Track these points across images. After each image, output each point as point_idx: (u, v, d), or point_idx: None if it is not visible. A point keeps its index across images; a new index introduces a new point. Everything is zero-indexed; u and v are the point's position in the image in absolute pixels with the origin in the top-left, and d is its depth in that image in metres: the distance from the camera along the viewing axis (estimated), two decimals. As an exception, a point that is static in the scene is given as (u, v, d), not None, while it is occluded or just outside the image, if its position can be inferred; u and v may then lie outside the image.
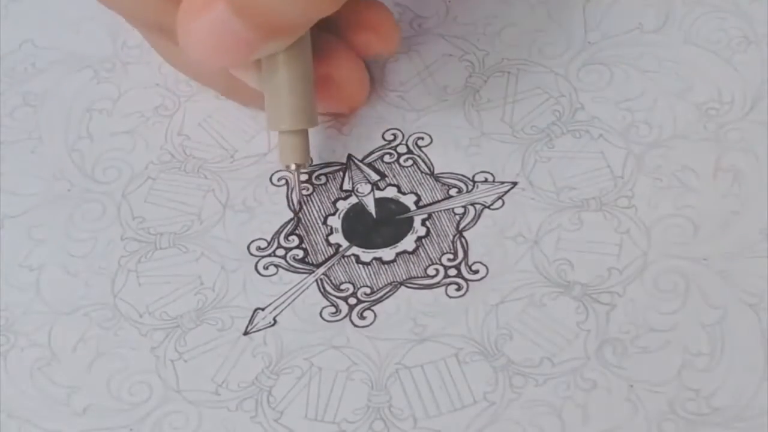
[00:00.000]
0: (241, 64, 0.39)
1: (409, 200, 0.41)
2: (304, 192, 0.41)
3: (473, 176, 0.41)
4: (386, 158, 0.42)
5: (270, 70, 0.39)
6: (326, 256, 0.40)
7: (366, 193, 0.42)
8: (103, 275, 0.41)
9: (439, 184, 0.41)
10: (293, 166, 0.41)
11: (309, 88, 0.40)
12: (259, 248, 0.41)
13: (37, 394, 0.38)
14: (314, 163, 0.43)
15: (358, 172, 0.42)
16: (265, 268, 0.40)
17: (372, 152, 0.43)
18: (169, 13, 0.38)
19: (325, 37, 0.41)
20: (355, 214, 0.41)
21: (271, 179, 0.42)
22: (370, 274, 0.40)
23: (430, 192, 0.41)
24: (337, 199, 0.42)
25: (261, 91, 0.41)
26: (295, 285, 0.40)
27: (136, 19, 0.42)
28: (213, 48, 0.37)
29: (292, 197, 0.41)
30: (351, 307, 0.39)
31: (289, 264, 0.40)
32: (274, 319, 0.39)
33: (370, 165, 0.42)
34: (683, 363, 0.36)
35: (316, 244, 0.41)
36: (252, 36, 0.36)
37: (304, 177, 0.42)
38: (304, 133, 0.41)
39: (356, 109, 0.43)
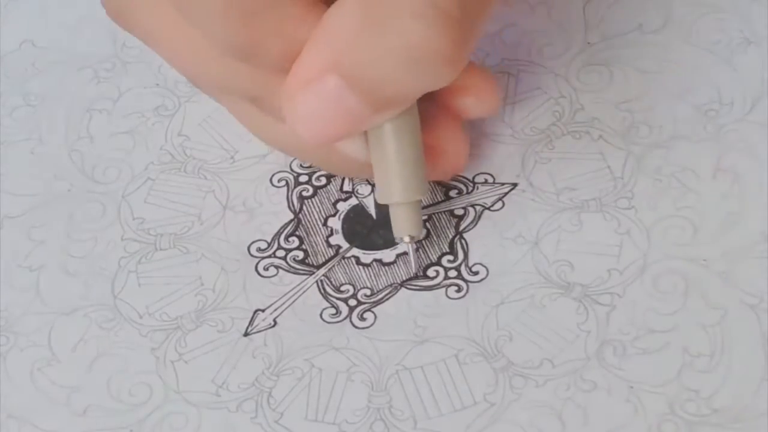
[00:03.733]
0: (348, 137, 0.37)
1: (409, 201, 0.41)
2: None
3: (473, 177, 0.41)
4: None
5: (377, 140, 0.37)
6: (326, 258, 0.40)
7: (366, 194, 0.42)
8: (103, 276, 0.41)
9: (439, 186, 0.41)
10: (407, 238, 0.39)
11: (419, 157, 0.37)
12: (259, 249, 0.41)
13: (37, 394, 0.38)
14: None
15: (358, 173, 0.42)
16: (266, 269, 0.40)
17: (372, 153, 0.43)
18: (264, 84, 0.36)
19: (424, 103, 0.38)
20: (356, 216, 0.41)
21: (271, 180, 0.42)
22: (371, 276, 0.40)
23: (430, 193, 0.41)
24: (337, 201, 0.42)
25: (365, 162, 0.38)
26: (296, 286, 0.40)
27: (228, 89, 0.38)
28: (321, 121, 0.35)
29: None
30: (351, 309, 0.39)
31: (289, 265, 0.40)
32: (275, 320, 0.39)
33: (370, 166, 0.42)
34: (683, 364, 0.36)
35: (316, 245, 0.41)
36: (363, 108, 0.34)
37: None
38: (417, 204, 0.38)
39: (454, 177, 0.41)
